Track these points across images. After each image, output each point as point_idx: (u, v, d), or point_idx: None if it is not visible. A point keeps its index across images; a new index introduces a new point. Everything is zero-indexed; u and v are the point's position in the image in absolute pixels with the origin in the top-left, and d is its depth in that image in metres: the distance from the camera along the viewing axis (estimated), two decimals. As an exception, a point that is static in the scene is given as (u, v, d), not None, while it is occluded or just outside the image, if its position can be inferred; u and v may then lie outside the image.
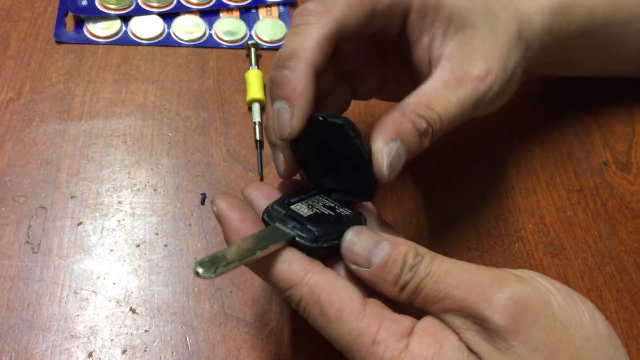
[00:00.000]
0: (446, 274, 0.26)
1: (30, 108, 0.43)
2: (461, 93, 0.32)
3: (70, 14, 0.49)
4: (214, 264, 0.25)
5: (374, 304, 0.27)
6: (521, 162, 0.45)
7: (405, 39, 0.34)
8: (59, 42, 0.47)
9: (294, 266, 0.27)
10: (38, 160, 0.40)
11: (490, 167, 0.44)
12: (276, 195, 0.31)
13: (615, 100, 0.49)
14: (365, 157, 0.30)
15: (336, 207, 0.31)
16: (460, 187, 0.43)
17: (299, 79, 0.29)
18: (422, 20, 0.33)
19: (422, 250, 0.28)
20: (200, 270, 0.25)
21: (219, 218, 0.29)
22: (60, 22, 0.48)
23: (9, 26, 0.48)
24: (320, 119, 0.30)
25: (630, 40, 0.43)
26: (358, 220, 0.31)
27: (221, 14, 0.51)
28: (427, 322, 0.27)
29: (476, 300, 0.25)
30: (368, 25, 0.31)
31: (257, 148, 0.42)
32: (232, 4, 0.51)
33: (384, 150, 0.29)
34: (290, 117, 0.29)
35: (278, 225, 0.29)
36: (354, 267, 0.28)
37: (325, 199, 0.32)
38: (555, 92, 0.49)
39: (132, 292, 0.36)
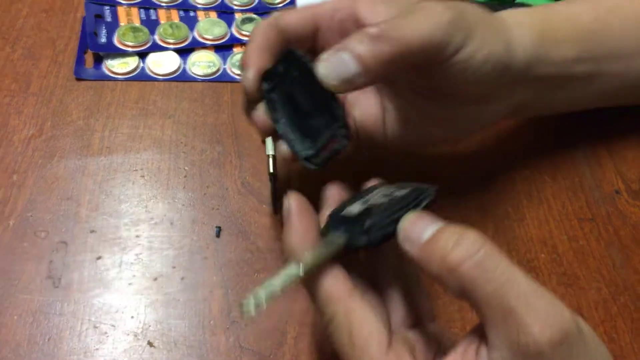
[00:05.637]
0: (514, 282, 0.24)
1: (52, 144, 0.44)
2: (418, 11, 0.33)
3: (89, 52, 0.50)
4: (256, 299, 0.26)
5: (399, 344, 0.28)
6: (533, 191, 0.45)
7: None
8: (79, 79, 0.49)
9: (339, 284, 0.28)
10: (59, 196, 0.42)
11: (502, 196, 0.45)
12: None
13: (627, 126, 0.49)
14: (311, 69, 0.31)
15: (394, 191, 0.31)
16: (472, 217, 0.43)
17: (251, 52, 0.34)
18: (373, 10, 0.35)
19: (485, 238, 0.26)
20: (245, 309, 0.25)
21: (286, 216, 0.30)
22: (80, 60, 0.50)
23: (31, 64, 0.50)
24: (277, 66, 0.33)
25: (624, 49, 0.43)
26: (417, 195, 0.30)
27: (235, 49, 0.52)
28: None
29: (535, 324, 0.24)
30: (312, 23, 0.36)
31: (270, 181, 0.43)
32: (245, 39, 0.53)
33: (323, 58, 0.31)
34: (247, 72, 0.34)
35: (329, 236, 0.30)
36: (407, 244, 0.28)
37: (385, 188, 0.32)
38: (565, 121, 0.49)
39: (149, 326, 0.36)
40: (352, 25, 0.36)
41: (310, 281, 0.29)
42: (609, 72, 0.43)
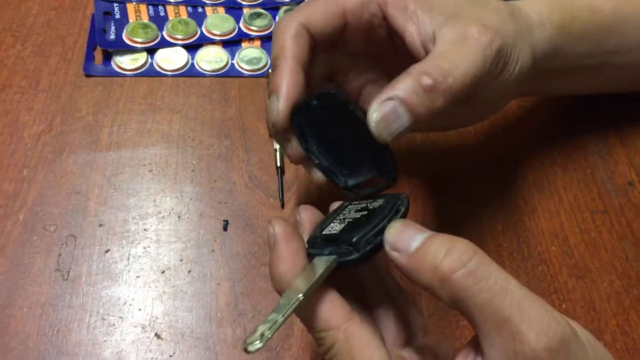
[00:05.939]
0: (508, 290, 0.24)
1: (61, 140, 0.45)
2: (465, 47, 0.32)
3: (98, 48, 0.51)
4: (259, 333, 0.25)
5: None
6: (544, 184, 0.45)
7: (393, 34, 0.35)
8: (88, 76, 0.49)
9: (336, 310, 0.27)
10: (68, 190, 0.42)
11: (512, 189, 0.44)
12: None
13: (639, 117, 0.49)
14: (361, 119, 0.30)
15: (368, 204, 0.30)
16: (482, 210, 0.43)
17: (283, 73, 0.32)
18: (404, 12, 0.34)
19: (475, 247, 0.25)
20: (250, 348, 0.24)
21: (271, 243, 0.29)
22: (89, 56, 0.50)
23: (41, 61, 0.50)
24: (310, 100, 0.32)
25: (633, 42, 0.42)
26: (394, 203, 0.29)
27: (243, 44, 0.52)
28: None
29: (530, 332, 0.23)
30: (341, 23, 0.34)
31: (278, 174, 0.43)
32: (253, 34, 0.53)
33: (376, 108, 0.29)
34: (277, 103, 0.32)
35: (316, 260, 0.28)
36: (394, 253, 0.26)
37: (356, 204, 0.32)
38: (577, 112, 0.49)
39: (157, 318, 0.36)
40: (380, 23, 0.35)
41: (305, 311, 0.27)
42: (618, 63, 0.43)
